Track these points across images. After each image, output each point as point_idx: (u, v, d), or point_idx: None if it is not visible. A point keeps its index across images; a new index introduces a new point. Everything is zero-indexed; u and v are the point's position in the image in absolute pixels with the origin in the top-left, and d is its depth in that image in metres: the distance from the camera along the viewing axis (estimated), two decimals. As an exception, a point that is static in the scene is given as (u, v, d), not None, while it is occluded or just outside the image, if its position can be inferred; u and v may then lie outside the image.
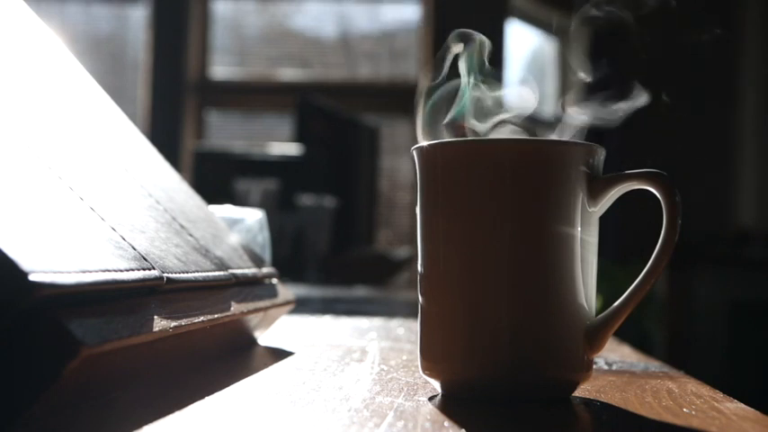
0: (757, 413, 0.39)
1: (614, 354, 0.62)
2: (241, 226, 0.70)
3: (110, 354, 0.33)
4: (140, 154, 0.61)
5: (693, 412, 0.39)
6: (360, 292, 1.71)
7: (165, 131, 3.62)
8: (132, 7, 3.83)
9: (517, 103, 0.46)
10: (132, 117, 0.70)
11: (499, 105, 0.45)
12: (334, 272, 2.17)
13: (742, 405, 0.41)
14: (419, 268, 0.44)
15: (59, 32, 0.63)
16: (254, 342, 0.62)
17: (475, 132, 0.46)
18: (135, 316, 0.37)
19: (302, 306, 0.91)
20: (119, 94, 3.57)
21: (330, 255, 2.29)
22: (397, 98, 3.58)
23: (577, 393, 0.43)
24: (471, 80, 0.44)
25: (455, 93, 0.45)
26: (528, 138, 0.44)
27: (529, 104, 0.46)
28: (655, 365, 0.56)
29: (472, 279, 0.41)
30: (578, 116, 0.45)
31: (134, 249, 0.41)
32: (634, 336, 2.61)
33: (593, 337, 0.42)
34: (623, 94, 0.44)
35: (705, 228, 3.39)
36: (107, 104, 0.62)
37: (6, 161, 0.38)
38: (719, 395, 0.44)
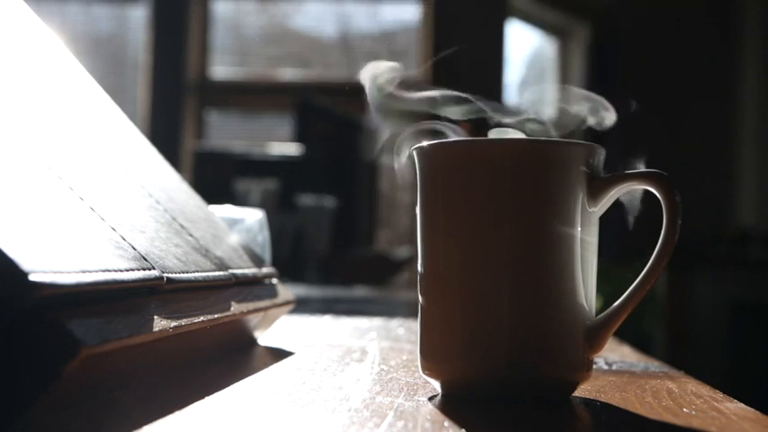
0: (757, 413, 0.39)
1: (614, 354, 0.62)
2: (241, 226, 0.70)
3: (110, 354, 0.33)
4: (140, 154, 0.61)
5: (693, 412, 0.39)
6: (360, 292, 1.71)
7: (165, 131, 3.61)
8: (132, 7, 3.83)
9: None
10: (132, 117, 0.70)
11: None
12: (334, 272, 2.17)
13: (742, 405, 0.41)
14: (419, 268, 0.44)
15: (59, 32, 0.63)
16: (254, 342, 0.62)
17: (476, 132, 0.46)
18: (135, 316, 0.37)
19: (302, 306, 0.91)
20: (119, 94, 3.57)
21: (330, 255, 2.30)
22: (397, 98, 3.57)
23: (577, 393, 0.43)
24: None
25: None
26: (528, 138, 0.44)
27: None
28: (655, 365, 0.56)
29: (472, 279, 0.41)
30: (577, 115, 0.45)
31: (134, 249, 0.41)
32: (634, 336, 2.61)
33: (593, 337, 0.42)
34: (623, 95, 0.44)
35: (705, 228, 3.39)
36: (107, 104, 0.62)
37: (6, 161, 0.38)
38: (719, 395, 0.44)
